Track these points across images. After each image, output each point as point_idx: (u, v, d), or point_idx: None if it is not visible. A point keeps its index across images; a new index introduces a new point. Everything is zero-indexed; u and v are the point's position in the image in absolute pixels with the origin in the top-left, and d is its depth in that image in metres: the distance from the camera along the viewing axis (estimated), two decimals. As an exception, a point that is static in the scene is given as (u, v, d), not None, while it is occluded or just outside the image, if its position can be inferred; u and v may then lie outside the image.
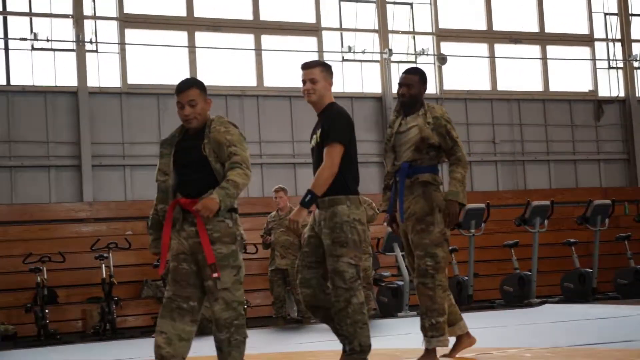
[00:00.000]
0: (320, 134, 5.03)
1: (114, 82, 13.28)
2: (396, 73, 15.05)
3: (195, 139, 4.53)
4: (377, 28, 14.97)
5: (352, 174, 5.03)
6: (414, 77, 5.49)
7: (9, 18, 12.84)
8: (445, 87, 15.37)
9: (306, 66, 5.13)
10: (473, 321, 9.24)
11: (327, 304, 5.01)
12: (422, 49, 15.21)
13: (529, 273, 12.10)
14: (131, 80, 13.30)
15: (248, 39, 14.18)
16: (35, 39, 12.76)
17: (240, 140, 4.51)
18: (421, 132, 5.36)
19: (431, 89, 15.26)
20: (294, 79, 14.29)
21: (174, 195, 4.55)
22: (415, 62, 15.27)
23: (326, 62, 5.29)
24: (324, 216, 4.98)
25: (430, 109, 5.46)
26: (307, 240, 5.12)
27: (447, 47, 15.46)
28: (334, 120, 4.99)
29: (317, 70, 5.08)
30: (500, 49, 15.91)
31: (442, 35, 15.45)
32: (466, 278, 12.04)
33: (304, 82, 5.09)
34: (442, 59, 15.20)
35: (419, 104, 5.48)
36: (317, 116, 5.19)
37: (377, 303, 11.80)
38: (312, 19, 14.59)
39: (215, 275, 4.39)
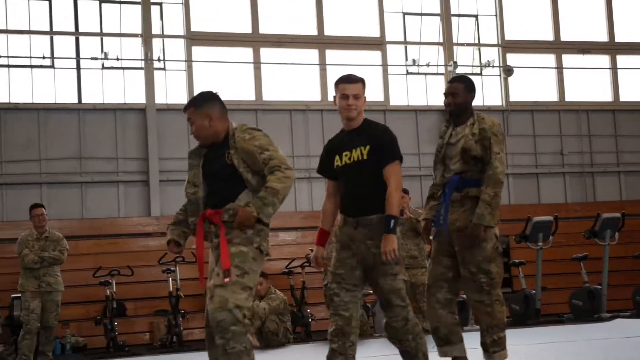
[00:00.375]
0: (370, 150, 4.81)
1: (181, 98, 13.52)
2: (461, 85, 14.92)
3: (220, 148, 4.51)
4: (441, 41, 14.91)
5: (383, 192, 4.82)
6: (460, 85, 5.37)
7: (81, 38, 13.20)
8: (512, 99, 15.20)
9: (350, 80, 4.90)
10: (541, 336, 9.08)
11: (354, 331, 4.80)
12: (488, 61, 15.08)
13: (599, 287, 11.82)
14: (197, 96, 13.48)
15: (312, 54, 14.27)
16: (106, 58, 13.09)
17: (269, 142, 4.44)
18: (464, 143, 5.23)
19: (497, 100, 15.12)
20: (358, 93, 14.32)
21: (205, 207, 4.50)
22: (480, 74, 15.16)
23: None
24: (370, 235, 4.75)
25: (480, 119, 5.30)
26: (341, 261, 4.84)
27: (513, 59, 15.29)
28: (390, 138, 4.88)
29: (360, 86, 4.90)
30: (568, 59, 15.66)
31: (508, 46, 15.29)
32: (534, 292, 11.83)
33: (345, 96, 4.86)
34: (508, 71, 15.04)
35: (468, 114, 5.34)
36: (348, 132, 5.00)
37: (443, 317, 11.67)
38: (376, 33, 14.61)
39: (226, 280, 4.25)
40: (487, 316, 5.17)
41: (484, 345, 5.23)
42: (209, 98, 4.62)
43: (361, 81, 4.92)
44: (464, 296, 11.29)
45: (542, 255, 12.09)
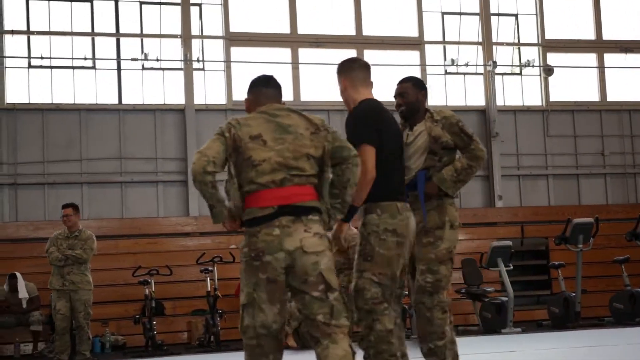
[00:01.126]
0: None
1: (220, 99, 13.60)
2: (500, 85, 14.83)
3: None
4: (480, 40, 14.80)
5: (387, 176, 4.44)
6: (406, 85, 5.12)
7: (122, 39, 13.34)
8: (552, 99, 15.03)
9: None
10: (581, 339, 8.97)
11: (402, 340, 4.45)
12: (528, 60, 14.94)
13: (641, 290, 11.64)
14: (236, 97, 13.58)
15: (350, 54, 14.24)
16: (146, 59, 13.21)
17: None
18: (430, 131, 4.92)
19: (536, 100, 14.97)
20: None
21: None
22: (520, 73, 15.02)
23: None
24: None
25: (437, 111, 5.05)
26: None
27: (553, 58, 15.13)
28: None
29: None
30: (610, 58, 15.44)
31: (549, 45, 15.13)
32: (573, 294, 11.69)
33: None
34: (548, 70, 14.88)
35: (422, 112, 5.04)
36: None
37: (480, 319, 11.61)
38: (414, 33, 14.55)
39: None
40: (425, 321, 4.74)
41: (423, 355, 4.81)
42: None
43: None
44: (504, 298, 11.24)
45: (583, 258, 11.94)
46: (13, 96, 12.81)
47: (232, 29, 13.72)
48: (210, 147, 3.93)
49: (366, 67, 4.72)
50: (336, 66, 4.73)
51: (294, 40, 13.98)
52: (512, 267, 11.76)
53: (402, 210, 4.45)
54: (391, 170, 4.48)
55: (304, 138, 4.00)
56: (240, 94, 13.59)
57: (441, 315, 4.73)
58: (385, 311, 4.35)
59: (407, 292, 11.78)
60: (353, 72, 4.65)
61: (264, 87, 4.20)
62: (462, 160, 4.96)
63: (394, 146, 4.56)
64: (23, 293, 11.02)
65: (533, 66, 14.93)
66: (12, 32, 12.84)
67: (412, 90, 5.10)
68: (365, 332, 4.38)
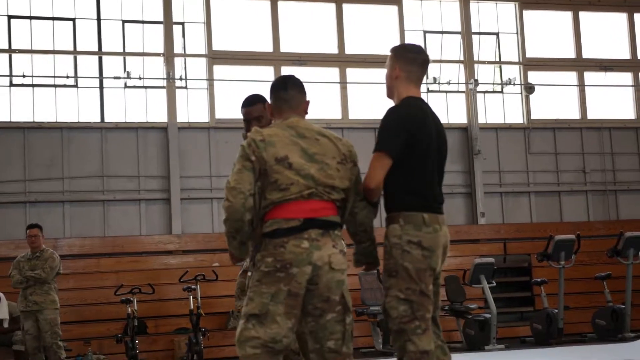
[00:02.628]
0: None
1: (203, 117, 13.60)
2: (482, 103, 14.93)
3: None
4: (462, 58, 14.90)
5: (414, 184, 4.07)
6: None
7: (104, 58, 13.33)
8: (533, 117, 15.14)
9: None
10: (564, 356, 9.01)
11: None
12: (509, 79, 15.06)
13: (623, 306, 11.70)
14: (219, 115, 13.58)
15: (333, 72, 14.32)
16: (128, 77, 13.20)
17: (238, 157, 3.89)
18: None
19: (518, 118, 15.07)
20: (379, 111, 14.32)
21: None
22: (501, 92, 15.13)
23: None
24: None
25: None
26: None
27: (534, 76, 15.26)
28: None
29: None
30: (590, 76, 15.59)
31: (530, 64, 15.26)
32: (556, 311, 11.73)
33: None
34: (529, 89, 15.00)
35: None
36: None
37: (464, 336, 11.62)
38: (396, 51, 14.60)
39: None
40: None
41: None
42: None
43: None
44: (487, 315, 11.27)
45: (565, 274, 12.00)
46: (-6, 114, 12.75)
47: (214, 47, 13.74)
48: (242, 180, 3.77)
49: (425, 65, 4.30)
50: (394, 46, 4.37)
51: (277, 59, 14.02)
52: (495, 283, 11.80)
53: (430, 222, 3.99)
54: (420, 179, 4.06)
55: (329, 168, 3.89)
56: (223, 111, 13.61)
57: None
58: (418, 330, 3.90)
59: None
60: (413, 66, 4.21)
61: (282, 90, 4.04)
62: None
63: (427, 153, 4.09)
64: (3, 313, 10.91)
65: (514, 84, 15.05)
66: (-6, 50, 12.81)
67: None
68: (399, 354, 3.97)
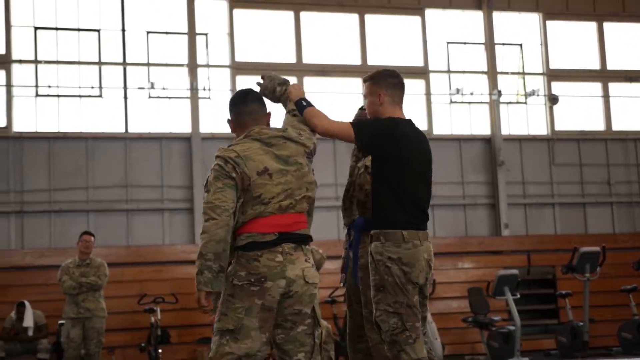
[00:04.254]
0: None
1: (226, 127, 13.58)
2: (505, 114, 14.87)
3: None
4: (485, 69, 14.85)
5: (394, 203, 4.23)
6: (364, 113, 5.00)
7: (128, 68, 13.42)
8: (557, 128, 15.05)
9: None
10: (589, 369, 8.94)
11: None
12: (533, 90, 14.99)
13: (649, 319, 11.56)
14: (242, 125, 13.60)
15: (356, 83, 14.32)
16: (152, 87, 13.28)
17: (212, 177, 3.94)
18: (358, 178, 4.91)
19: (542, 129, 14.99)
20: (402, 122, 14.31)
21: None
22: (525, 102, 15.06)
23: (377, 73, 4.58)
24: None
25: None
26: None
27: (558, 87, 15.17)
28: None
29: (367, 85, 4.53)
30: (615, 87, 15.48)
31: (554, 75, 15.18)
32: (581, 324, 11.61)
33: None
34: (553, 99, 14.92)
35: None
36: None
37: (488, 348, 11.53)
38: (419, 62, 14.61)
39: None
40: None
41: None
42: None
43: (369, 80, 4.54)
44: (511, 327, 11.19)
45: (590, 287, 11.88)
46: (20, 125, 12.86)
47: (238, 58, 13.80)
48: (226, 198, 3.80)
49: (403, 87, 4.54)
50: (370, 75, 4.53)
51: (299, 70, 14.04)
52: (519, 295, 11.70)
53: (409, 239, 4.18)
54: (402, 197, 4.25)
55: (303, 167, 3.98)
56: (246, 122, 13.63)
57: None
58: (409, 340, 4.14)
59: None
60: (395, 90, 4.46)
61: (242, 104, 4.10)
62: None
63: (413, 171, 4.30)
64: (28, 322, 11.00)
65: (538, 95, 14.97)
66: (20, 61, 12.94)
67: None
68: None
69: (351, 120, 4.33)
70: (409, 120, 4.45)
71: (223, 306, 3.83)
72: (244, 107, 4.08)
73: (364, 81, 4.53)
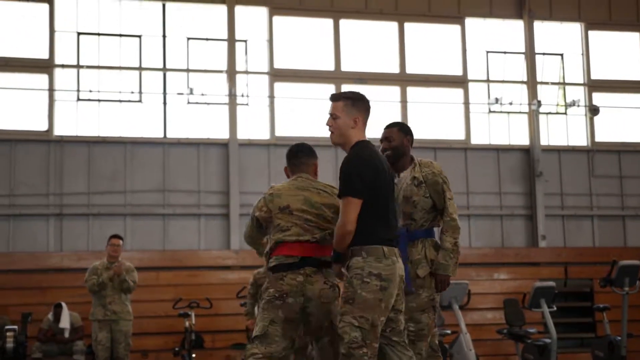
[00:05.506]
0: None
1: (263, 134, 13.70)
2: (545, 125, 14.73)
3: None
4: (525, 79, 14.73)
5: (374, 221, 4.40)
6: (393, 129, 5.26)
7: (168, 74, 13.55)
8: (597, 139, 14.87)
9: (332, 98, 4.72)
10: (626, 385, 8.78)
11: None
12: (573, 100, 14.82)
13: (689, 336, 11.35)
14: (279, 132, 13.67)
15: (394, 92, 14.29)
16: (191, 93, 13.39)
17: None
18: (404, 190, 5.07)
19: (582, 140, 14.82)
20: (440, 131, 14.24)
21: None
22: (565, 113, 14.91)
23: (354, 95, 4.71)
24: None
25: (424, 164, 5.14)
26: None
27: (599, 98, 14.99)
28: (344, 169, 4.45)
29: (340, 104, 4.62)
30: (657, 99, 15.27)
31: (595, 85, 15.00)
32: (619, 338, 11.42)
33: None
34: (594, 110, 14.74)
35: (408, 158, 5.20)
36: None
37: (523, 361, 11.41)
38: (458, 71, 14.54)
39: None
40: None
41: None
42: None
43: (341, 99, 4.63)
44: (547, 340, 11.06)
45: (629, 301, 11.68)
46: (61, 128, 13.05)
47: (276, 65, 13.86)
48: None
49: (370, 111, 4.70)
50: (346, 95, 4.64)
51: (337, 77, 14.05)
52: (555, 308, 11.56)
53: (389, 255, 4.36)
54: (380, 216, 4.43)
55: (326, 216, 4.69)
56: (284, 129, 13.70)
57: None
58: (365, 357, 4.25)
59: (449, 332, 11.64)
60: (367, 113, 4.63)
61: (294, 157, 4.94)
62: (447, 238, 4.97)
63: (385, 192, 4.49)
64: (64, 323, 11.13)
65: (578, 106, 14.81)
66: (63, 66, 13.13)
67: (398, 134, 5.24)
68: None
69: (346, 196, 4.38)
70: (371, 142, 4.62)
71: (258, 317, 4.64)
72: (295, 160, 4.97)
73: (336, 99, 4.63)
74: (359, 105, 4.60)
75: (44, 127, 13.00)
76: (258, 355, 4.51)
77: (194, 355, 10.80)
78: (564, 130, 14.93)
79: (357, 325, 4.26)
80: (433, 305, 4.97)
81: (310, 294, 4.55)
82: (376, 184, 4.41)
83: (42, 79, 13.08)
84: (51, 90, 13.01)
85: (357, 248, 4.38)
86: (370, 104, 4.67)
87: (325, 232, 4.62)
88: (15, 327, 11.00)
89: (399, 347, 4.45)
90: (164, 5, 13.59)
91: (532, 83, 14.68)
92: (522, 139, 14.64)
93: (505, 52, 14.82)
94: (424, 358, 4.89)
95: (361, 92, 4.74)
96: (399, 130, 5.26)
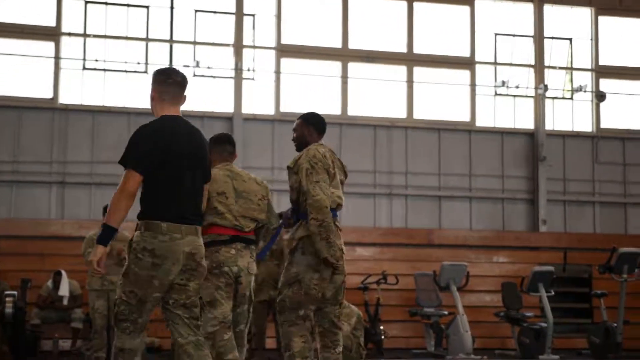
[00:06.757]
0: None
1: (268, 109, 13.68)
2: (550, 109, 14.69)
3: None
4: (532, 63, 14.68)
5: (157, 196, 4.32)
6: (298, 121, 5.63)
7: (175, 46, 13.51)
8: (603, 125, 14.83)
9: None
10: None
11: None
12: (580, 86, 14.77)
13: (685, 325, 11.39)
14: (284, 108, 13.65)
15: (400, 71, 14.25)
16: (197, 66, 13.36)
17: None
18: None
19: (587, 126, 14.78)
20: (445, 112, 14.22)
21: None
22: (571, 98, 14.86)
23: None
24: None
25: (306, 151, 5.42)
26: None
27: (606, 84, 14.94)
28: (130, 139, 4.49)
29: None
30: (665, 87, 15.20)
31: (602, 71, 14.94)
32: (615, 325, 11.48)
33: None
34: (600, 97, 14.70)
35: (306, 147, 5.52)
36: None
37: (518, 344, 11.46)
38: (466, 53, 14.48)
39: None
40: (279, 335, 5.68)
41: None
42: None
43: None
44: (543, 324, 11.10)
45: (627, 288, 11.73)
46: (66, 97, 13.05)
47: (283, 41, 13.81)
48: None
49: (181, 85, 4.57)
50: (153, 72, 4.69)
51: (344, 55, 14.01)
52: (553, 293, 11.61)
53: (168, 231, 4.24)
54: (167, 191, 4.30)
55: (252, 203, 5.60)
56: (289, 104, 13.68)
57: (287, 328, 5.32)
58: (127, 330, 4.33)
59: (446, 313, 11.71)
60: (166, 86, 4.54)
61: (224, 145, 5.83)
62: (312, 222, 5.23)
63: (179, 166, 4.36)
64: (63, 291, 11.19)
65: (585, 91, 14.76)
66: (69, 34, 13.10)
67: (300, 125, 5.61)
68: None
69: (126, 168, 4.37)
70: (179, 119, 4.59)
71: (202, 286, 4.97)
72: (223, 146, 5.84)
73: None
74: (157, 80, 4.58)
75: (49, 95, 13.00)
76: (215, 320, 5.27)
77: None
78: (569, 116, 14.89)
79: (124, 300, 4.31)
80: (298, 279, 5.26)
81: (242, 265, 5.41)
82: (160, 157, 4.29)
83: (48, 47, 13.06)
84: (57, 58, 12.99)
85: (139, 222, 4.31)
86: (175, 75, 4.55)
87: (250, 219, 5.54)
88: (15, 292, 11.04)
89: (179, 321, 4.34)
90: (172, -23, 13.53)
91: (539, 67, 14.62)
92: (527, 122, 14.61)
93: (513, 35, 14.75)
94: (290, 324, 5.28)
95: (174, 68, 4.72)
96: (302, 121, 5.61)
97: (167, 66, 4.63)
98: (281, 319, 5.34)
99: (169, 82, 4.51)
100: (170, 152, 4.33)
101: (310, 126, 5.59)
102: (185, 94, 4.59)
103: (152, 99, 4.58)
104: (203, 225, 4.70)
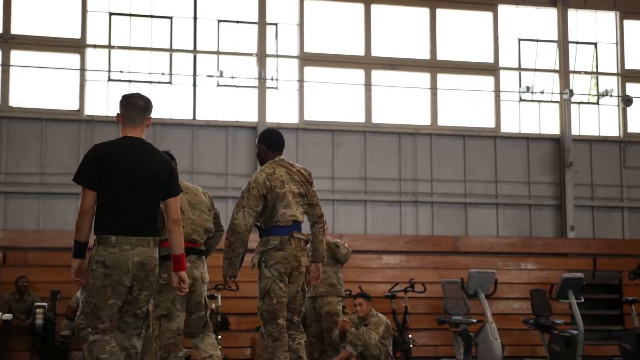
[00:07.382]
0: None
1: (292, 118, 13.69)
2: (576, 114, 14.58)
3: None
4: (557, 68, 14.57)
5: (106, 211, 4.61)
6: (257, 140, 6.05)
7: (198, 56, 13.57)
8: (630, 130, 14.69)
9: None
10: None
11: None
12: (606, 90, 14.65)
13: None
14: (308, 116, 13.65)
15: (424, 78, 14.20)
16: (221, 76, 13.40)
17: None
18: None
19: (614, 131, 14.65)
20: (469, 119, 14.15)
21: None
22: (597, 103, 14.73)
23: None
24: None
25: (256, 172, 5.90)
26: None
27: (633, 88, 14.80)
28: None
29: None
30: (692, 90, 15.03)
31: (628, 76, 14.81)
32: (647, 332, 11.32)
33: None
34: (627, 101, 14.55)
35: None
36: None
37: (549, 351, 11.34)
38: (490, 59, 14.41)
39: None
40: (260, 347, 6.00)
41: None
42: None
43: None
44: (573, 331, 10.98)
45: (657, 294, 11.58)
46: (92, 108, 13.13)
47: (306, 49, 13.82)
48: None
49: (143, 109, 4.81)
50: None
51: (367, 62, 14.00)
52: (583, 300, 11.48)
53: (117, 244, 4.53)
54: (117, 206, 4.58)
55: (204, 214, 6.16)
56: (312, 113, 13.67)
57: (271, 343, 5.67)
58: (88, 335, 4.56)
59: (474, 321, 11.56)
60: (126, 110, 4.79)
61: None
62: (225, 241, 6.04)
63: (126, 183, 4.61)
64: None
65: (611, 96, 14.63)
66: (95, 46, 13.19)
67: (258, 143, 6.08)
68: None
69: (81, 186, 4.69)
70: (121, 140, 4.80)
71: (156, 299, 5.72)
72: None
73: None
74: (121, 103, 4.83)
75: (75, 106, 13.10)
76: (170, 333, 5.72)
77: (219, 337, 10.84)
78: (595, 121, 14.76)
79: (82, 310, 4.61)
80: (268, 291, 5.85)
81: (197, 276, 5.87)
82: (106, 175, 4.58)
83: (73, 59, 13.16)
84: (82, 70, 13.09)
85: (96, 238, 4.61)
86: (135, 100, 4.79)
87: (202, 228, 6.06)
88: (45, 304, 11.12)
89: (128, 329, 4.70)
90: (195, -13, 13.59)
91: (564, 72, 14.51)
92: (552, 128, 14.50)
93: (537, 40, 14.66)
94: (273, 337, 5.68)
95: (138, 93, 4.91)
96: (258, 140, 6.02)
97: (132, 92, 4.88)
98: (265, 331, 5.75)
99: (128, 107, 4.78)
100: (118, 169, 4.60)
101: (263, 145, 5.98)
102: (150, 116, 4.85)
103: (117, 121, 4.86)
104: (161, 239, 4.93)
